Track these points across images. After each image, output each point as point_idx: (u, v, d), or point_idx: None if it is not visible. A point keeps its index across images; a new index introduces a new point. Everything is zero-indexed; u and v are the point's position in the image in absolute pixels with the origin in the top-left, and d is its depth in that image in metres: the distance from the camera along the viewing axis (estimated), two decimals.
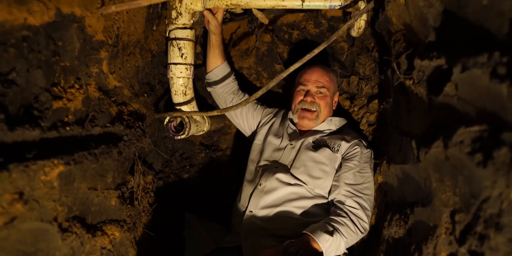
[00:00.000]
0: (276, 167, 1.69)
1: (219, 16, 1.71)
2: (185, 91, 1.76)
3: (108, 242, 1.20)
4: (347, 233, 1.42)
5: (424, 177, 1.04)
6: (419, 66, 0.98)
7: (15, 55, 0.94)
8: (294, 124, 1.83)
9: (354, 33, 1.69)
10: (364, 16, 1.56)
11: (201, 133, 2.01)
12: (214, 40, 1.78)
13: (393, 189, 1.43)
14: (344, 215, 1.47)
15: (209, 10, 1.68)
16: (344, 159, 1.64)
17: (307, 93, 1.73)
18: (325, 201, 1.61)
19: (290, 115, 1.87)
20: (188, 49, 1.69)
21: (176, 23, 1.67)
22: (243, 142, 2.12)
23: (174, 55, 1.69)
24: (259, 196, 1.61)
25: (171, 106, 1.82)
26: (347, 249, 1.52)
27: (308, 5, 1.61)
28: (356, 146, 1.64)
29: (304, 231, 1.41)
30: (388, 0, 1.25)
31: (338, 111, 1.93)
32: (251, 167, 1.79)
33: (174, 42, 1.68)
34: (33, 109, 1.01)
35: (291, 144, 1.75)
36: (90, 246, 1.11)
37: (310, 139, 1.73)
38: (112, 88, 1.40)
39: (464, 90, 0.78)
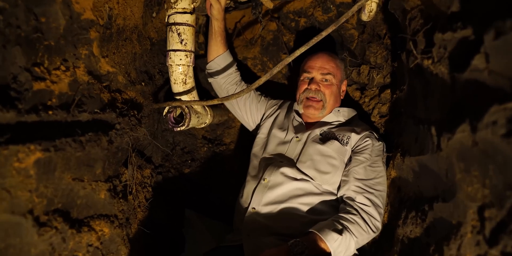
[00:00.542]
0: (281, 161, 1.58)
1: (222, 0, 1.61)
2: (185, 79, 1.65)
3: (95, 238, 1.10)
4: (357, 232, 1.30)
5: (446, 168, 0.92)
6: (440, 41, 0.86)
7: None
8: (299, 115, 1.72)
9: (365, 17, 1.58)
10: None
11: (203, 125, 1.90)
12: (217, 27, 1.68)
13: (408, 184, 1.31)
14: (355, 212, 1.35)
15: None
16: (354, 152, 1.52)
17: (311, 80, 1.62)
18: (333, 197, 1.49)
19: (296, 106, 1.76)
20: (188, 35, 1.59)
21: (175, 7, 1.57)
22: (248, 137, 2.02)
23: (173, 41, 1.59)
24: (262, 192, 1.50)
25: (171, 97, 1.72)
26: (357, 250, 1.38)
27: None
28: (367, 138, 1.52)
29: (310, 230, 1.30)
30: None
31: (347, 103, 1.81)
32: (254, 161, 1.69)
33: (173, 28, 1.58)
34: (10, 90, 0.91)
35: (297, 137, 1.63)
36: (74, 243, 1.01)
37: (317, 132, 1.61)
38: (104, 73, 1.30)
39: (497, 61, 0.66)
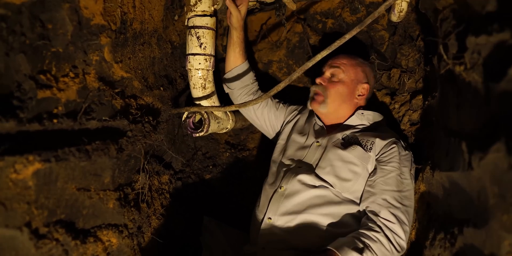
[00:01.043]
0: (299, 167, 1.49)
1: (243, 8, 1.54)
2: (204, 84, 1.61)
3: (101, 249, 1.07)
4: (380, 251, 1.20)
5: (478, 190, 0.81)
6: (473, 45, 0.76)
7: None
8: (320, 119, 1.63)
9: (394, 17, 1.46)
10: None
11: (224, 130, 1.85)
12: (235, 37, 1.61)
13: (438, 200, 1.19)
14: (378, 229, 1.24)
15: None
16: (380, 161, 1.40)
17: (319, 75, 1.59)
18: (355, 207, 1.38)
19: None
20: (207, 39, 1.54)
21: (195, 10, 1.53)
22: (272, 142, 1.94)
23: (192, 45, 1.55)
24: (278, 201, 1.43)
25: (191, 102, 1.68)
26: None
27: None
28: (393, 145, 1.40)
29: (328, 247, 1.21)
30: None
31: (376, 109, 1.69)
32: (273, 168, 1.61)
33: (193, 31, 1.54)
34: (13, 98, 0.89)
35: (318, 142, 1.54)
36: (77, 254, 0.99)
37: (339, 136, 1.52)
38: (118, 79, 1.28)
39: None
